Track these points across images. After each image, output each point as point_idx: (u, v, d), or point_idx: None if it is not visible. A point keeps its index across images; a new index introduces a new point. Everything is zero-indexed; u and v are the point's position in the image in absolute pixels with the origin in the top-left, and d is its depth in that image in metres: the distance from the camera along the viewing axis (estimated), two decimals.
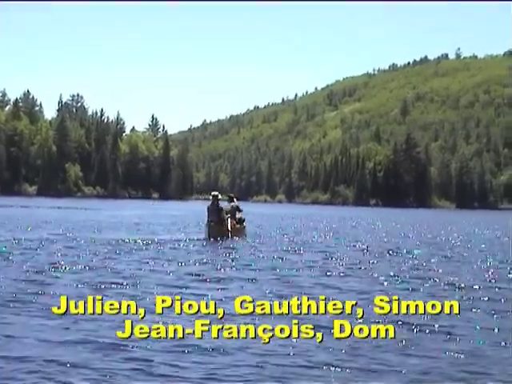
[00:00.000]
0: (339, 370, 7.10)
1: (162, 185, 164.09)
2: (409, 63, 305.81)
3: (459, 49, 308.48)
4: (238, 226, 25.18)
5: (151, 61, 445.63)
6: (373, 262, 18.13)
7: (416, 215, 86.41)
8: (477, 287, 13.46)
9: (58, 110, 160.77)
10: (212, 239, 23.35)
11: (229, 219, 24.36)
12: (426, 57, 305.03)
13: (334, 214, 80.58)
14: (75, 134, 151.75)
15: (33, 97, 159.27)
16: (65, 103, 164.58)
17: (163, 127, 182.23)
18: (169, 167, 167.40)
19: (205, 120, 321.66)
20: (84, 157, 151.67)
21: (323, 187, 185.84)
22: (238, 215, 25.29)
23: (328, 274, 15.28)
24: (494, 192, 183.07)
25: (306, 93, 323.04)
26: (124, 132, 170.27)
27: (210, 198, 24.65)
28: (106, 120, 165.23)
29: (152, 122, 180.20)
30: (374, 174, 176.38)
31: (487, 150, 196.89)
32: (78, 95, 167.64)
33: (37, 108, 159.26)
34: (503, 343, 8.53)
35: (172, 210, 72.37)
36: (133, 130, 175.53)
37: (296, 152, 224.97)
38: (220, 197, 24.65)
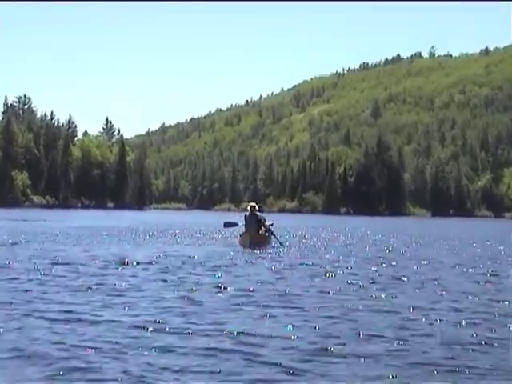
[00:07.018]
0: None
1: (118, 193, 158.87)
2: (380, 62, 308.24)
3: (433, 47, 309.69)
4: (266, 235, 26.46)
5: (104, 59, 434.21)
6: None
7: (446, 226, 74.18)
8: None
9: (3, 113, 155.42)
10: (252, 247, 23.85)
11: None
12: (398, 55, 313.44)
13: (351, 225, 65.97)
14: (22, 138, 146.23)
15: None
16: (11, 105, 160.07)
17: (118, 131, 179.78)
18: (125, 174, 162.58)
19: (163, 123, 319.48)
20: (32, 163, 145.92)
21: (290, 194, 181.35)
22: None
23: None
24: (471, 198, 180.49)
25: (272, 94, 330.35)
26: (76, 136, 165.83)
27: (248, 208, 25.50)
28: (56, 123, 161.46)
29: (106, 125, 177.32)
30: (345, 180, 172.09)
31: (463, 154, 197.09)
32: (25, 97, 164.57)
33: None
34: None
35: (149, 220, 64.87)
36: (85, 134, 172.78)
37: (261, 157, 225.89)
38: (257, 207, 25.74)
